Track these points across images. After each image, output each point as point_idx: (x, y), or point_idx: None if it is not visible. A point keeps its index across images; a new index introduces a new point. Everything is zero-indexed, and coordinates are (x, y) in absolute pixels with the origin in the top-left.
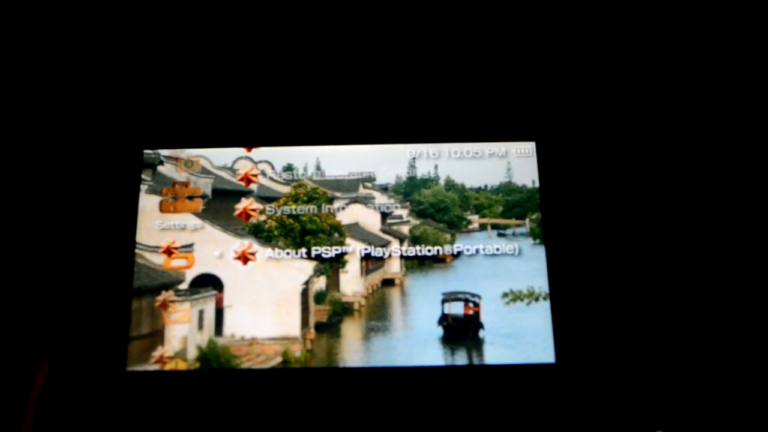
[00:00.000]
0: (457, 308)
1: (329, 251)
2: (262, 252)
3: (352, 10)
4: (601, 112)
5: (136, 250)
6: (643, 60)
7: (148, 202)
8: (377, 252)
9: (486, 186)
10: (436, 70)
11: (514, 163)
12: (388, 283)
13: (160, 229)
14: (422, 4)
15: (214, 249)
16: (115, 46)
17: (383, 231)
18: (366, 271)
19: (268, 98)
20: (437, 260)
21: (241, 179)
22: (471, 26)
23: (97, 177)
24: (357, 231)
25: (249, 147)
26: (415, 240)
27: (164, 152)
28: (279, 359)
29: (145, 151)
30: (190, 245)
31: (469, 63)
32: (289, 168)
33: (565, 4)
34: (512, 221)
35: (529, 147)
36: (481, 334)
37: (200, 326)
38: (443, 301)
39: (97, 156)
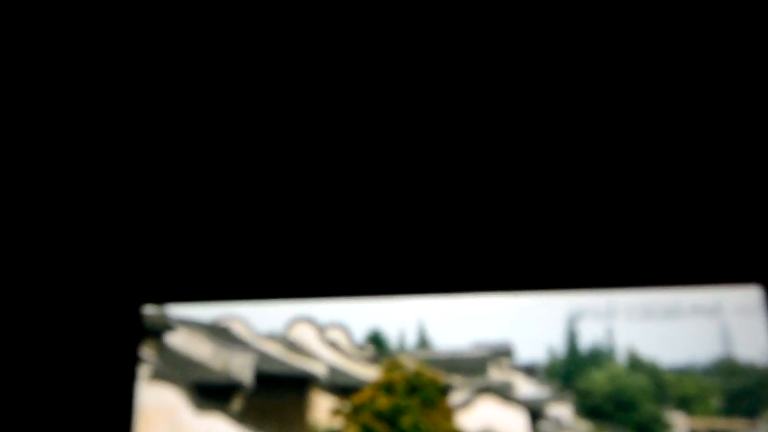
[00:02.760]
0: None
1: None
2: None
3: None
4: None
5: None
6: None
7: (153, 396)
8: None
9: (691, 363)
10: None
11: (731, 322)
12: None
13: None
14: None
15: None
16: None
17: None
18: None
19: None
20: None
21: (301, 355)
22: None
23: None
24: None
25: (309, 296)
26: None
27: (173, 311)
28: None
29: (145, 308)
30: None
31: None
32: (375, 339)
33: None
34: (738, 422)
35: (751, 295)
36: None
37: None
38: None
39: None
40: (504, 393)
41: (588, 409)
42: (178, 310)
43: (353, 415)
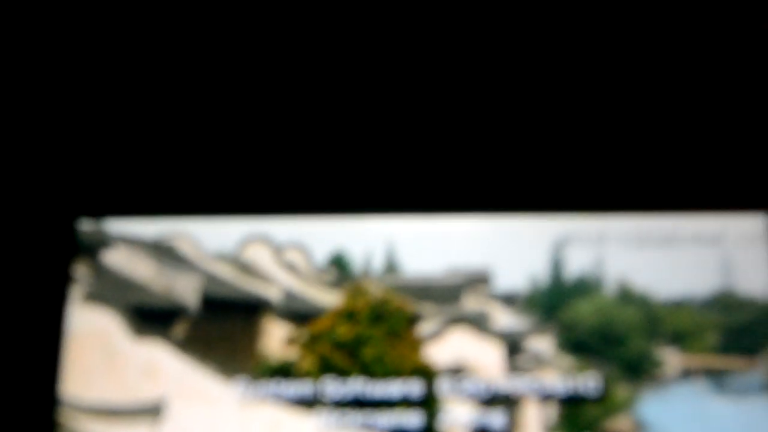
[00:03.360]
0: None
1: (412, 416)
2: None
3: None
4: None
5: (61, 413)
6: None
7: (86, 320)
8: (497, 419)
9: (688, 297)
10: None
11: (733, 254)
12: None
13: (104, 373)
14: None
15: (204, 410)
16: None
17: (510, 377)
18: None
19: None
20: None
21: (254, 278)
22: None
23: None
24: (461, 378)
25: (262, 213)
26: (567, 396)
27: (113, 224)
28: None
29: (81, 222)
30: (156, 406)
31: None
32: (338, 261)
33: None
34: (736, 361)
35: (754, 224)
36: None
37: None
38: None
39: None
40: (479, 323)
41: (571, 343)
42: (118, 226)
43: (310, 344)
